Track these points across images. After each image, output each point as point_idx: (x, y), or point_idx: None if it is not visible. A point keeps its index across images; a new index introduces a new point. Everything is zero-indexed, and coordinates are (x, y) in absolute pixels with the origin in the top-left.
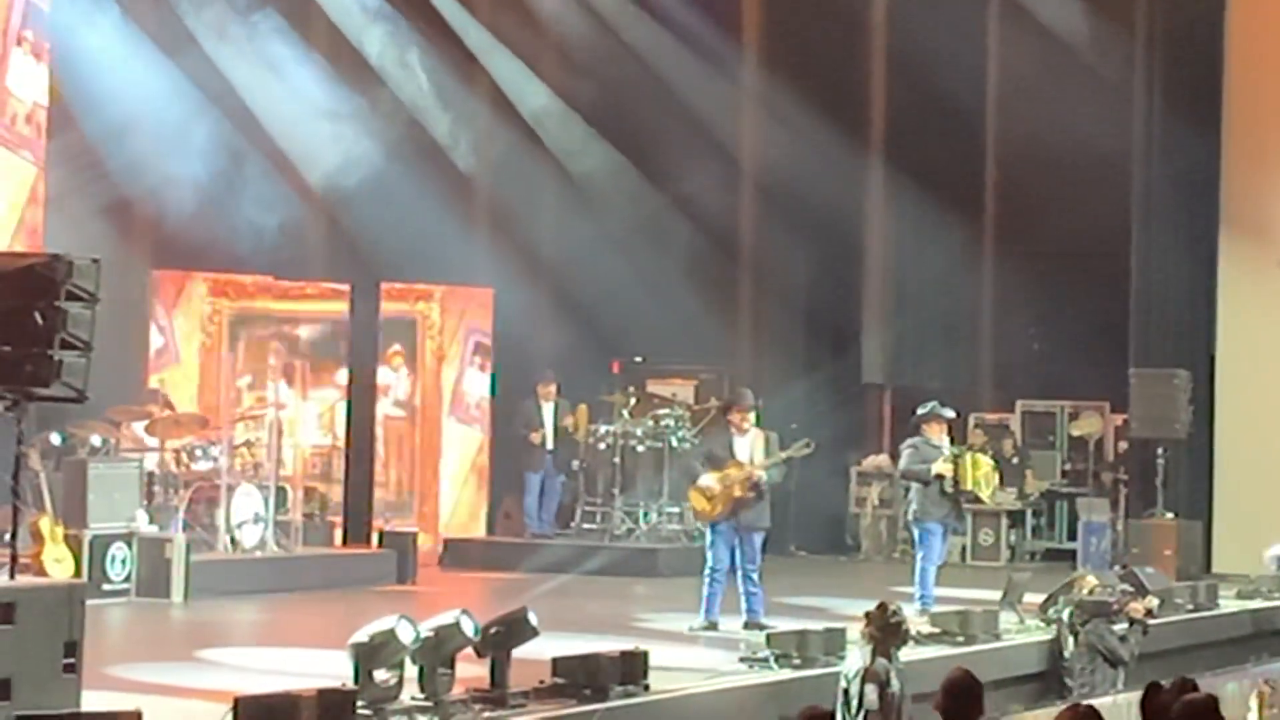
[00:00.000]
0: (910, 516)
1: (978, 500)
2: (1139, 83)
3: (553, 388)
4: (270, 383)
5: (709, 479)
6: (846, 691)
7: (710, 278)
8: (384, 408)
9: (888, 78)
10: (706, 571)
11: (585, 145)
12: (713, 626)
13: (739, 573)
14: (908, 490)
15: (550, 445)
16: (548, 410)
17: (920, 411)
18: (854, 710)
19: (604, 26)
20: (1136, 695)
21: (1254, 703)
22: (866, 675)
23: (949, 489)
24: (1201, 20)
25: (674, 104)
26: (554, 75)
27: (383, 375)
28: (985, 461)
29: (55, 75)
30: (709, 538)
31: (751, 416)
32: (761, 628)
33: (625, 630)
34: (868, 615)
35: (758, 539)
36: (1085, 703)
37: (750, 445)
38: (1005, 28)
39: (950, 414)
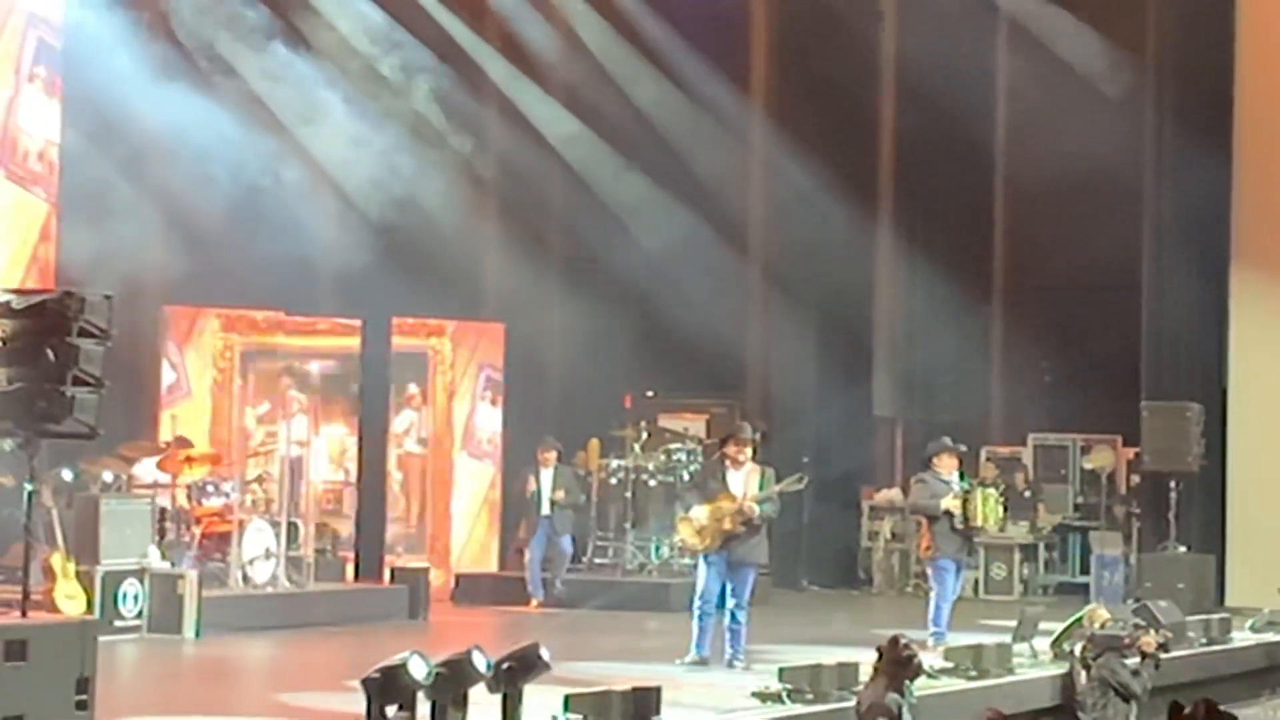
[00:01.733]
0: (921, 553)
1: (981, 530)
2: (1149, 115)
3: (552, 455)
4: (282, 421)
5: (699, 511)
6: None
7: (722, 312)
8: (407, 445)
9: (897, 112)
10: (696, 605)
11: (602, 178)
12: (702, 662)
13: (728, 608)
14: (919, 526)
15: (546, 511)
16: (545, 477)
17: (931, 446)
18: None
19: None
20: None
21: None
22: (877, 709)
23: (959, 525)
24: (1211, 51)
25: (682, 140)
26: (574, 107)
27: (404, 418)
28: (992, 495)
29: (67, 111)
30: (700, 570)
31: (748, 450)
32: (744, 667)
33: (638, 665)
34: (880, 649)
35: (749, 575)
36: None
37: (744, 479)
38: (1015, 61)
39: (961, 449)
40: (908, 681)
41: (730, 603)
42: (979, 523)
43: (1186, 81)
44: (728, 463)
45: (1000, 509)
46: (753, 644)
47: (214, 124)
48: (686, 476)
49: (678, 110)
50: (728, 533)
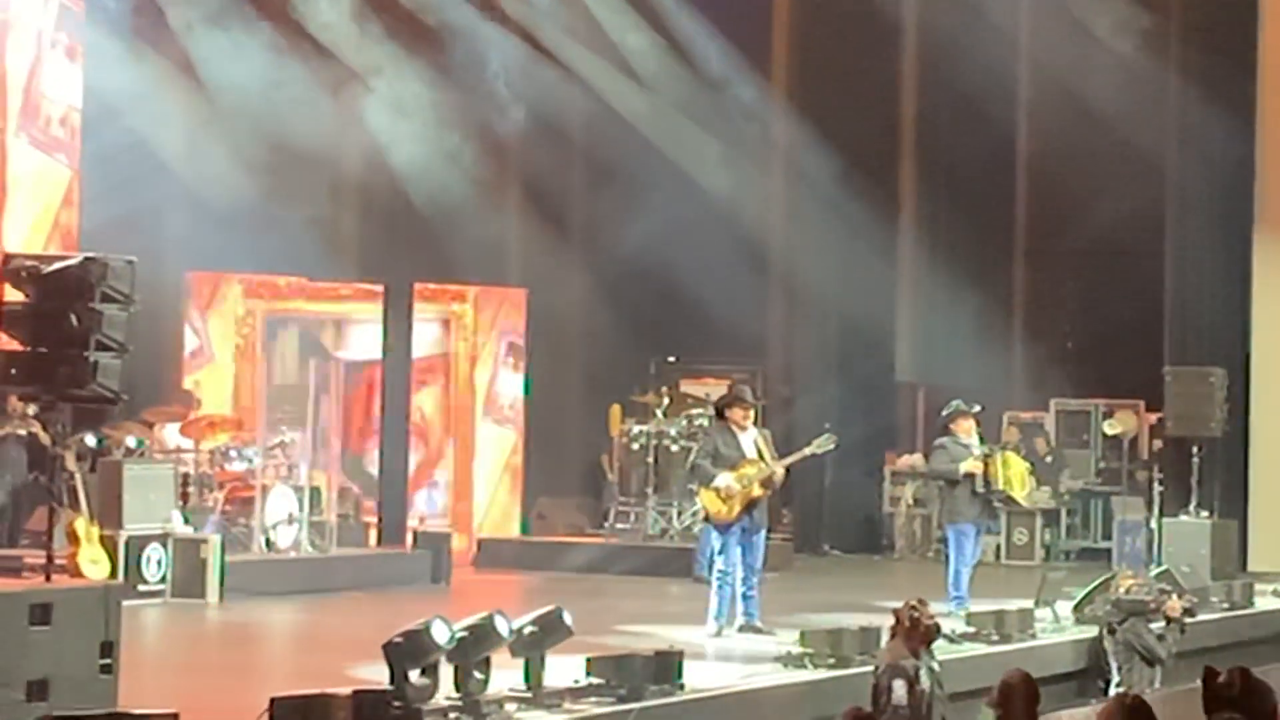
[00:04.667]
0: (942, 517)
1: (1011, 500)
2: (1172, 80)
3: None
4: (311, 387)
5: (727, 479)
6: (876, 687)
7: (743, 277)
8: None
9: (919, 77)
10: (717, 575)
11: (624, 149)
12: (723, 631)
13: (742, 574)
14: (940, 490)
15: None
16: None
17: (946, 411)
18: (882, 706)
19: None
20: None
21: None
22: (894, 671)
23: (980, 489)
24: (1235, 15)
25: (707, 108)
26: (596, 81)
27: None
28: (1016, 460)
29: (89, 76)
30: (720, 540)
31: (752, 414)
32: (757, 631)
33: (660, 630)
34: (896, 613)
35: (762, 539)
36: (1132, 693)
37: (754, 442)
38: (1039, 23)
39: (975, 409)
40: (925, 646)
41: (753, 568)
42: (1000, 486)
43: (1210, 47)
44: (734, 427)
45: (1030, 477)
46: (774, 609)
47: (236, 89)
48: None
49: (697, 85)
50: (754, 500)
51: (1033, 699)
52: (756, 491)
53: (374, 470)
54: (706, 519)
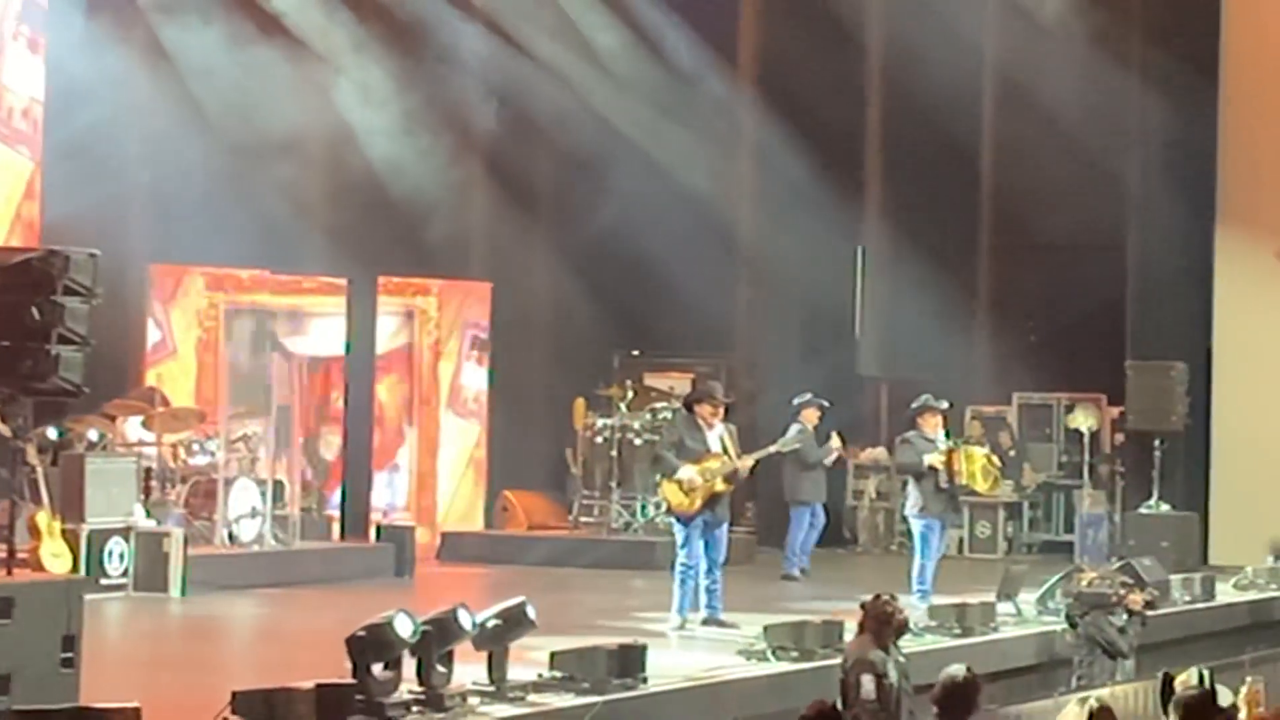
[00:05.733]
0: (907, 511)
1: (975, 493)
2: (1135, 74)
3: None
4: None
5: (689, 472)
6: (844, 682)
7: (708, 272)
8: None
9: (883, 73)
10: (680, 568)
11: (589, 140)
12: (687, 624)
13: (704, 567)
14: (905, 484)
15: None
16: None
17: (914, 405)
18: (851, 700)
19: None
20: (1142, 685)
21: (1243, 703)
22: (862, 665)
23: (944, 484)
24: (1198, 12)
25: (675, 101)
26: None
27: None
28: (980, 454)
29: (51, 68)
30: (683, 533)
31: (721, 411)
32: (720, 624)
33: (623, 623)
34: (864, 606)
35: (725, 533)
36: (1096, 696)
37: (720, 437)
38: (1002, 19)
39: (944, 406)
40: (894, 639)
41: (716, 561)
42: (964, 481)
43: (1172, 43)
44: (701, 423)
45: (995, 471)
46: (738, 602)
47: (198, 81)
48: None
49: (665, 75)
50: (716, 494)
51: (974, 695)
52: (720, 486)
53: (329, 456)
54: (668, 511)
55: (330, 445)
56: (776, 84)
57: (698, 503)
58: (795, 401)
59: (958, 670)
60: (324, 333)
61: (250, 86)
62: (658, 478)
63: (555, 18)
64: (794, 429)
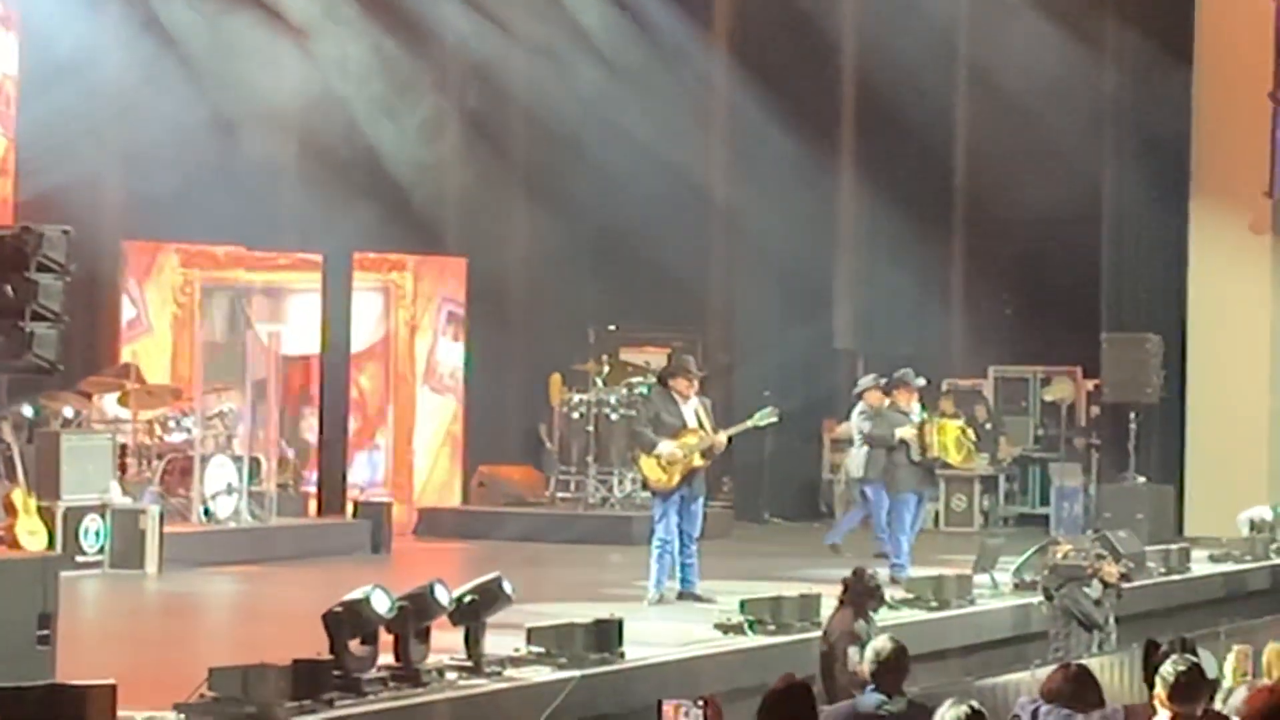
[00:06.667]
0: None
1: (949, 465)
2: (1110, 46)
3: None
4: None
5: (669, 447)
6: (827, 654)
7: (683, 246)
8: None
9: (858, 47)
10: (657, 543)
11: (564, 113)
12: (664, 599)
13: (680, 541)
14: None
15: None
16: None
17: (890, 380)
18: (836, 673)
19: None
20: (1118, 657)
21: (1229, 667)
22: (849, 638)
23: (916, 457)
24: None
25: (651, 73)
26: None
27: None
28: (953, 426)
29: (24, 45)
30: (660, 509)
31: (695, 384)
32: (697, 599)
33: (600, 598)
34: (845, 580)
35: (701, 507)
36: (1076, 662)
37: (695, 411)
38: None
39: (920, 383)
40: (876, 608)
41: (691, 536)
42: (936, 453)
43: (1147, 14)
44: (677, 396)
45: (969, 444)
46: (714, 576)
47: (173, 56)
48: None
49: (640, 46)
50: (694, 469)
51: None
52: (697, 461)
53: (310, 437)
54: (645, 486)
55: (312, 427)
56: (752, 57)
57: (675, 478)
58: (890, 380)
59: (884, 644)
60: (299, 309)
61: (226, 61)
62: (635, 453)
63: None
64: (856, 413)
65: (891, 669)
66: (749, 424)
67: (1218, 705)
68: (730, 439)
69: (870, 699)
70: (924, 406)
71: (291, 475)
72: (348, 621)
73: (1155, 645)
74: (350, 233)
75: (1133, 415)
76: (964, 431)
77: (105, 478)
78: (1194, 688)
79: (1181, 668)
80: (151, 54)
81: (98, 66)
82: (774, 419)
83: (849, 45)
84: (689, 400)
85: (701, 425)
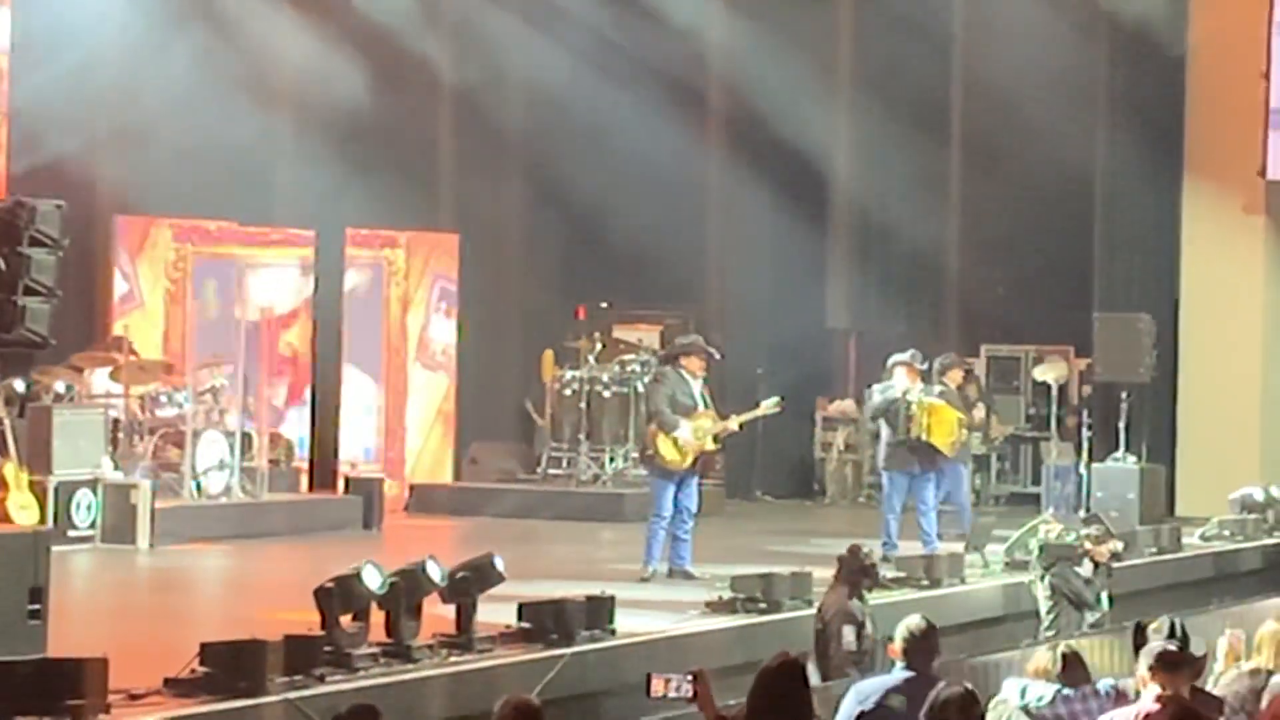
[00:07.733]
0: (880, 464)
1: (934, 448)
2: (1104, 23)
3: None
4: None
5: (686, 430)
6: (822, 632)
7: (676, 223)
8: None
9: (855, 17)
10: (653, 520)
11: (559, 88)
12: (656, 576)
13: (680, 517)
14: (877, 437)
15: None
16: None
17: (891, 359)
18: (831, 651)
19: None
20: (1111, 636)
21: (1221, 650)
22: (844, 616)
23: (902, 436)
24: None
25: (636, 44)
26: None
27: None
28: (948, 410)
29: (17, 19)
30: (661, 485)
31: (706, 363)
32: (688, 576)
33: (592, 575)
34: (840, 559)
35: (696, 484)
36: (1065, 644)
37: (700, 392)
38: None
39: (921, 366)
40: (868, 590)
41: (689, 513)
42: (918, 433)
43: None
44: (688, 375)
45: (960, 434)
46: (706, 553)
47: (167, 30)
48: (640, 388)
49: (634, 25)
50: (706, 452)
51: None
52: (710, 445)
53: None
54: (650, 462)
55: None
56: (752, 28)
57: (689, 460)
58: (891, 359)
59: (916, 622)
60: (291, 285)
61: (220, 36)
62: (653, 429)
63: None
64: (877, 390)
65: (922, 648)
66: (759, 412)
67: (1209, 687)
68: (742, 425)
69: (898, 675)
70: (925, 385)
71: (284, 451)
72: (339, 597)
73: (1144, 628)
74: (343, 209)
75: (1124, 395)
76: (960, 421)
77: (97, 452)
78: (1176, 665)
79: (1164, 645)
80: (144, 28)
81: (91, 41)
82: (776, 409)
83: (843, 18)
84: (698, 379)
85: (707, 405)
